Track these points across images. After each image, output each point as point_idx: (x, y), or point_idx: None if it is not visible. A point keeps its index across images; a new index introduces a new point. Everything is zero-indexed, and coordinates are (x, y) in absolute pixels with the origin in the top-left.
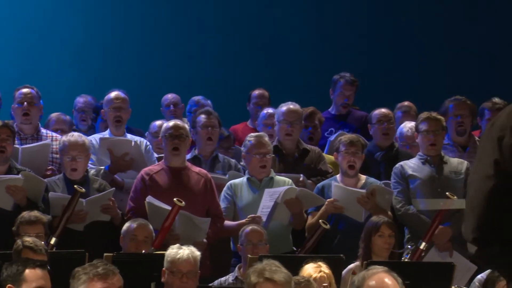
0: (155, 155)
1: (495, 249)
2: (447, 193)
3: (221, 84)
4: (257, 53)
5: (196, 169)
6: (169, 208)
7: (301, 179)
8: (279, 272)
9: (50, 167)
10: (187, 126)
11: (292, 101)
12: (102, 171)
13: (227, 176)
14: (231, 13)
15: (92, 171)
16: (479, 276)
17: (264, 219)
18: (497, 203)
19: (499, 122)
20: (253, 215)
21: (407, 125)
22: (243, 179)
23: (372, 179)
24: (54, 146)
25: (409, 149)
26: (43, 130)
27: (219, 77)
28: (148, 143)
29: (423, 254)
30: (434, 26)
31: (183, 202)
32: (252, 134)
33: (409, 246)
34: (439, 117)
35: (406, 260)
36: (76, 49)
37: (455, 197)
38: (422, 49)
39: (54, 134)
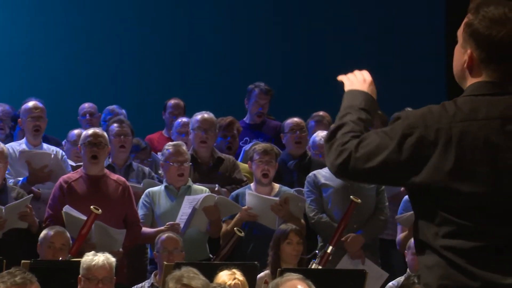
0: (73, 163)
1: None
2: (351, 196)
3: (137, 94)
4: (172, 63)
5: (115, 176)
6: (85, 218)
7: (216, 189)
8: (197, 279)
9: None
10: (106, 134)
11: (207, 110)
12: (20, 182)
13: (141, 184)
14: (148, 23)
15: (10, 181)
16: (390, 284)
17: (182, 225)
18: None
19: (412, 119)
20: (171, 222)
21: (320, 134)
22: (161, 187)
23: (285, 188)
24: None
25: (322, 158)
26: None
27: (135, 87)
28: (63, 153)
29: (330, 258)
30: (350, 38)
31: (100, 210)
32: (170, 143)
33: (317, 252)
34: None
35: (315, 264)
36: None
37: (359, 200)
38: (336, 60)
39: None
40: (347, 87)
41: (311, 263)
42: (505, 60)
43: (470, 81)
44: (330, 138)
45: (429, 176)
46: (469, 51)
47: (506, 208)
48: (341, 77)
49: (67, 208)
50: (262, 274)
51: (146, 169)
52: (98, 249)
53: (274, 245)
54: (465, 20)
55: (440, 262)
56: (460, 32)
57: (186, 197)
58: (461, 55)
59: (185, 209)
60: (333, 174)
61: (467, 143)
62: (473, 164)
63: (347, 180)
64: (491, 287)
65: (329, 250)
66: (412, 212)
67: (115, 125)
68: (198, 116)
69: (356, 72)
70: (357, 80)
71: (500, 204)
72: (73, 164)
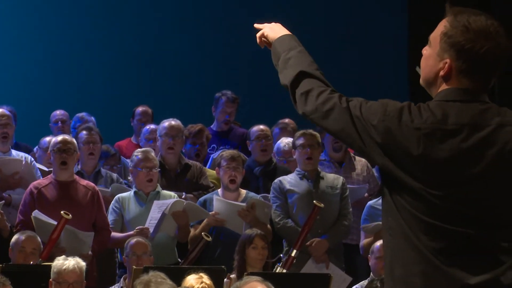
0: (45, 168)
1: None
2: (314, 201)
3: (106, 101)
4: (141, 71)
5: (84, 182)
6: (54, 222)
7: (183, 196)
8: (164, 283)
9: None
10: (75, 141)
11: (175, 117)
12: None
13: (109, 188)
14: (117, 31)
15: None
16: (353, 287)
17: (151, 230)
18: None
19: (389, 109)
20: (141, 226)
21: (284, 141)
22: (130, 193)
23: (252, 194)
24: None
25: (286, 164)
26: None
27: (104, 94)
28: (32, 159)
29: (294, 261)
30: (314, 47)
31: (70, 215)
32: (139, 149)
33: (281, 255)
34: (315, 133)
35: (279, 268)
36: None
37: (322, 204)
38: None
39: None
40: (273, 34)
41: (276, 266)
42: (483, 72)
43: (443, 87)
44: (295, 86)
45: (395, 168)
46: (448, 60)
47: (471, 212)
48: (257, 25)
49: (36, 213)
50: (227, 279)
51: (114, 175)
52: (68, 252)
53: (239, 249)
54: (443, 28)
55: (411, 256)
56: (435, 40)
57: (155, 202)
58: (435, 62)
59: (154, 214)
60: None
61: (432, 147)
62: (440, 167)
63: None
64: (457, 285)
65: (293, 254)
66: (378, 222)
67: (84, 132)
68: (166, 123)
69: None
70: (277, 27)
71: (466, 207)
72: (45, 169)
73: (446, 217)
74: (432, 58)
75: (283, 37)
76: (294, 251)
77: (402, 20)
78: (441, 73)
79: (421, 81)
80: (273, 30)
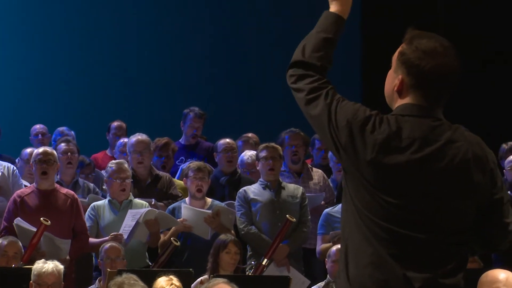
0: (27, 183)
1: None
2: (287, 215)
3: (84, 116)
4: (117, 88)
5: (64, 190)
6: (34, 229)
7: (152, 203)
8: (137, 285)
9: None
10: (55, 152)
11: (147, 132)
12: None
13: (87, 199)
14: (96, 51)
15: None
16: None
17: (125, 236)
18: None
19: (360, 113)
20: (115, 233)
21: (247, 154)
22: (105, 201)
23: (217, 202)
24: None
25: (250, 175)
26: None
27: (83, 110)
28: (15, 168)
29: (265, 269)
30: (272, 67)
31: (49, 222)
32: (113, 161)
33: (252, 262)
34: (277, 146)
35: (249, 274)
36: None
37: (294, 219)
38: (261, 86)
39: None
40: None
41: (247, 273)
42: (431, 88)
43: (399, 102)
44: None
45: (354, 170)
46: (400, 76)
47: (420, 219)
48: None
49: (18, 220)
50: (200, 278)
51: (91, 185)
52: (47, 257)
53: (214, 253)
54: (400, 48)
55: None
56: (394, 59)
57: (130, 211)
58: (392, 79)
59: (128, 222)
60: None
61: (385, 156)
62: (391, 176)
63: None
64: (398, 279)
65: (264, 262)
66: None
67: (63, 144)
68: (133, 139)
69: None
70: None
71: (415, 215)
72: (28, 184)
73: (398, 222)
74: (391, 76)
75: (327, 13)
76: (265, 259)
77: (356, 45)
78: (395, 88)
79: (386, 98)
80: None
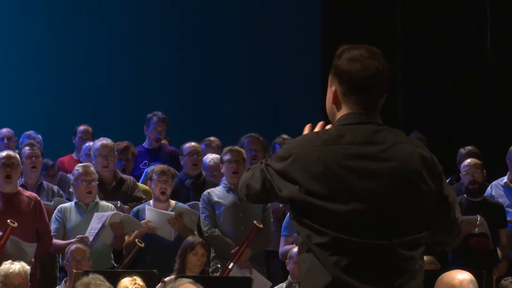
0: None
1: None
2: (255, 221)
3: (51, 120)
4: (84, 94)
5: (27, 193)
6: (0, 232)
7: (118, 205)
8: (103, 285)
9: None
10: (18, 156)
11: (112, 135)
12: None
13: (52, 202)
14: (63, 58)
15: None
16: None
17: (91, 238)
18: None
19: (289, 145)
20: (81, 235)
21: (210, 157)
22: (72, 204)
23: (180, 204)
24: None
25: (212, 178)
26: None
27: (49, 114)
28: None
29: (230, 273)
30: (234, 74)
31: (16, 224)
32: (80, 164)
33: (218, 265)
34: (240, 149)
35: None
36: None
37: (261, 225)
38: (223, 93)
39: None
40: None
41: (213, 275)
42: (363, 92)
43: (338, 115)
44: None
45: (299, 188)
46: (333, 88)
47: (372, 223)
48: None
49: None
50: (167, 278)
51: (55, 187)
52: (13, 259)
53: (181, 254)
54: (332, 65)
55: (314, 264)
56: (329, 77)
57: (96, 214)
58: (329, 94)
59: (94, 224)
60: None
61: (332, 164)
62: (337, 182)
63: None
64: None
65: (230, 266)
66: None
67: (27, 148)
68: (98, 143)
69: None
70: None
71: (366, 219)
72: None
73: (349, 229)
74: (328, 92)
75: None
76: (232, 264)
77: (316, 53)
78: (332, 101)
79: (328, 117)
80: None
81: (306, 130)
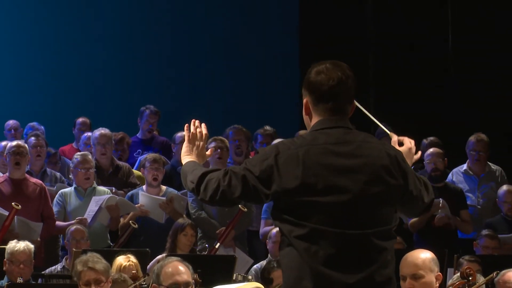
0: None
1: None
2: (240, 205)
3: (53, 113)
4: (82, 89)
5: (33, 179)
6: (6, 213)
7: (113, 191)
8: (100, 262)
9: None
10: (26, 146)
11: (109, 127)
12: None
13: (55, 187)
14: (63, 56)
15: None
16: (255, 266)
17: (89, 220)
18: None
19: (267, 149)
20: (80, 217)
21: None
22: (71, 189)
23: (171, 189)
24: None
25: None
26: None
27: (51, 107)
28: None
29: (218, 252)
30: (220, 71)
31: (20, 206)
32: (79, 153)
33: (206, 245)
34: (224, 138)
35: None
36: None
37: (246, 209)
38: (210, 87)
39: None
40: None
41: (202, 254)
42: (329, 100)
43: (312, 123)
44: (199, 184)
45: (280, 187)
46: (305, 100)
47: (346, 215)
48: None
49: None
50: (159, 256)
51: (58, 174)
52: (20, 238)
53: (172, 234)
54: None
55: (294, 257)
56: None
57: (93, 198)
58: (304, 107)
59: (92, 207)
60: (212, 205)
61: (310, 161)
62: (315, 178)
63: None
64: (338, 286)
65: (217, 246)
66: None
67: (33, 138)
68: (97, 133)
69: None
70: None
71: (340, 211)
72: (1, 174)
73: (327, 221)
74: (303, 106)
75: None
76: (218, 243)
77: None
78: (305, 112)
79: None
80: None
81: (185, 130)
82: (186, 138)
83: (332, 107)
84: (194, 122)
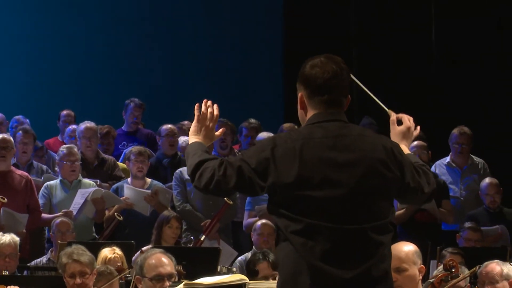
0: None
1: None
2: (225, 198)
3: (38, 105)
4: (67, 81)
5: (19, 172)
6: None
7: (98, 183)
8: (85, 255)
9: None
10: (12, 139)
11: (93, 119)
12: None
13: (42, 178)
14: (49, 48)
15: None
16: (239, 258)
17: (75, 212)
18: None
19: (265, 141)
20: (65, 209)
21: (182, 139)
22: (57, 181)
23: (156, 182)
24: None
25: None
26: None
27: (36, 100)
28: None
29: (202, 244)
30: (204, 63)
31: (6, 199)
32: (64, 145)
33: (192, 237)
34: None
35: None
36: None
37: (231, 202)
38: (194, 80)
39: None
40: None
41: (187, 246)
42: (324, 93)
43: (307, 118)
44: (194, 171)
45: (277, 180)
46: (300, 94)
47: (342, 209)
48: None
49: None
50: (144, 248)
51: (44, 166)
52: (5, 230)
53: (157, 227)
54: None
55: (290, 252)
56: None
57: (79, 190)
58: (298, 100)
59: (77, 200)
60: (206, 194)
61: (307, 155)
62: (312, 172)
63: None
64: (337, 282)
65: (202, 238)
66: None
67: (20, 133)
68: (82, 126)
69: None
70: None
71: (336, 205)
72: None
73: (323, 215)
74: (298, 100)
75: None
76: (203, 236)
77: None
78: (300, 106)
79: (301, 123)
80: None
81: (195, 109)
82: (196, 117)
83: (327, 99)
84: (206, 102)
